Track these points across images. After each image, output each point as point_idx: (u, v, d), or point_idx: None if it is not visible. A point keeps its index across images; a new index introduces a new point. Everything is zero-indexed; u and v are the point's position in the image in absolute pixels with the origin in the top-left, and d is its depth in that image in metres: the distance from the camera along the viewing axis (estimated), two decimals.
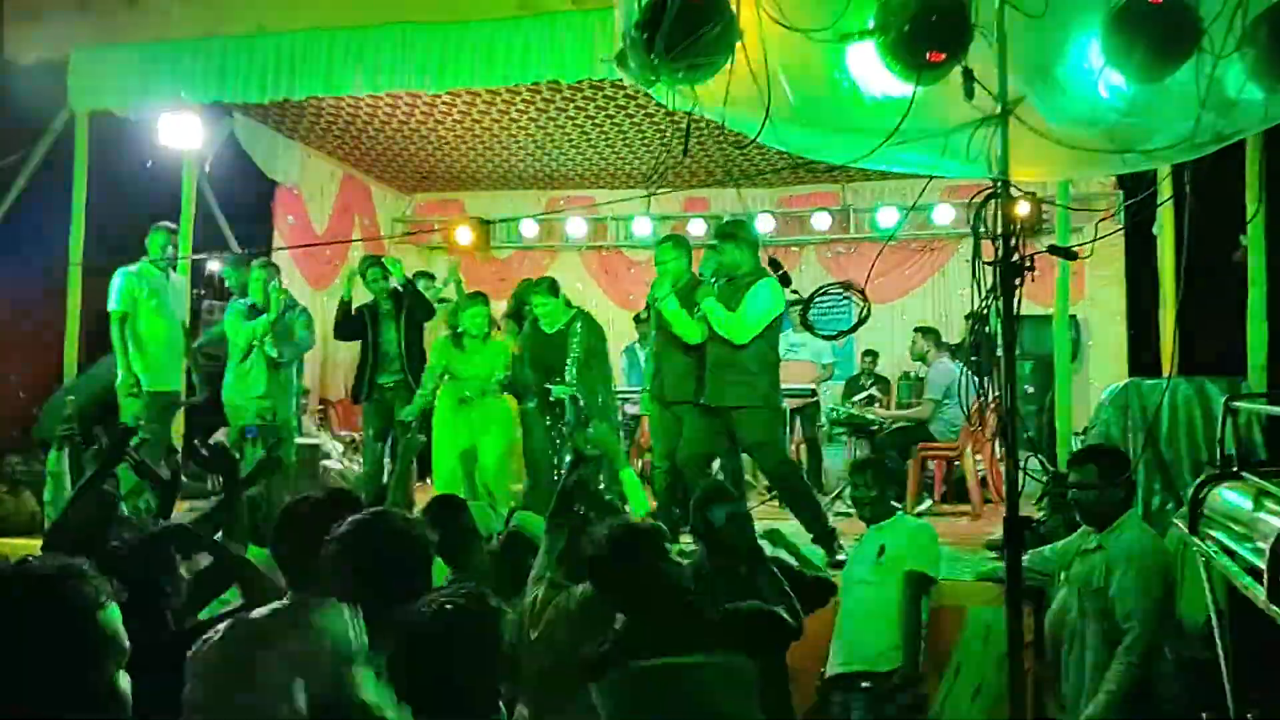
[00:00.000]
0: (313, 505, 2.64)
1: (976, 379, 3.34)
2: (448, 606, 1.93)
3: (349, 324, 6.89)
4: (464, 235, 10.69)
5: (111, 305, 6.43)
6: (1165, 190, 4.83)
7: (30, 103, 7.14)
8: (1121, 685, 3.72)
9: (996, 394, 3.26)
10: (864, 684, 4.12)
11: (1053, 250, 3.41)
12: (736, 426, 5.52)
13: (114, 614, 1.46)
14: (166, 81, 6.90)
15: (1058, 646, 4.12)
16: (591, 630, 2.80)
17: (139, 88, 7.01)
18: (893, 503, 4.59)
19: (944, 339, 8.46)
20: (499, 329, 6.90)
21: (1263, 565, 2.40)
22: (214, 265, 7.57)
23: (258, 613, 2.45)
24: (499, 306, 7.20)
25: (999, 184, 3.11)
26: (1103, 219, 6.09)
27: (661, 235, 10.66)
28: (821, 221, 10.28)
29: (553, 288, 6.32)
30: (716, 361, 5.45)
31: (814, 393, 8.43)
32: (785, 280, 5.10)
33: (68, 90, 7.08)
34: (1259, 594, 2.38)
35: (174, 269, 6.89)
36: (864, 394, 8.97)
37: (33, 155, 7.28)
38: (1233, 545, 2.83)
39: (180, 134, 7.40)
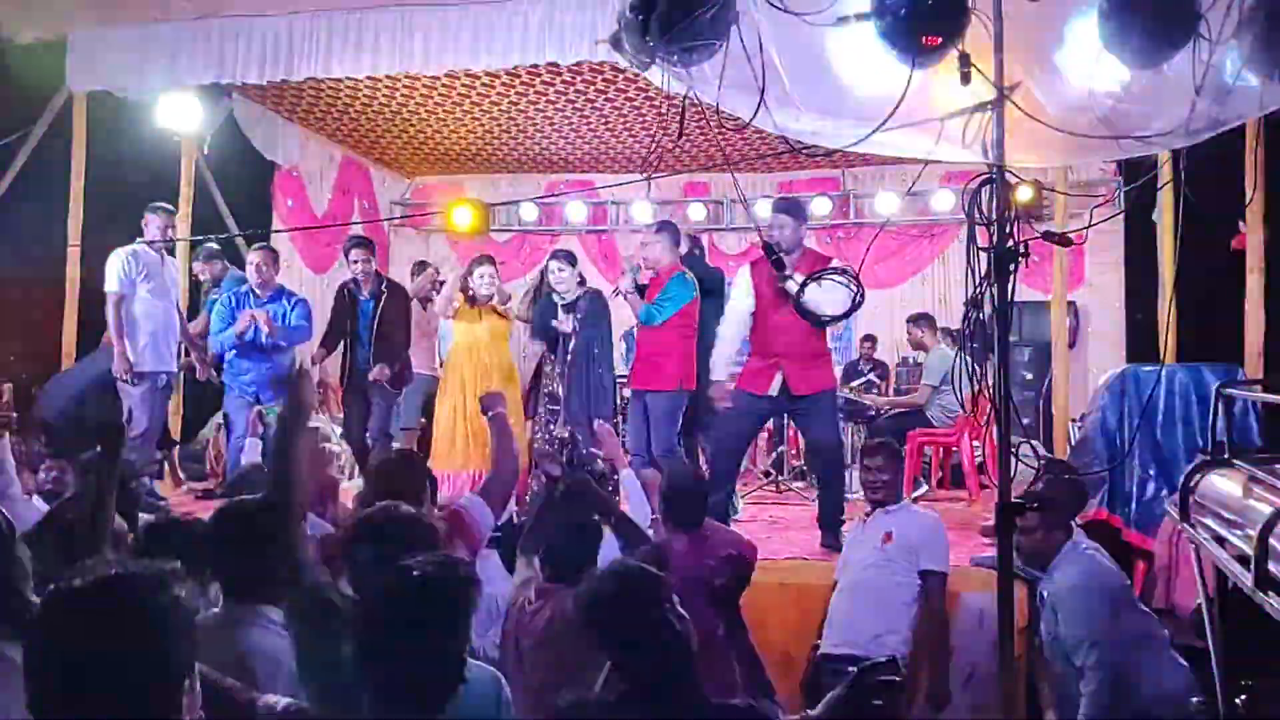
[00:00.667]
0: (243, 510, 2.58)
1: (972, 365, 3.34)
2: (415, 572, 1.94)
3: (335, 318, 6.94)
4: (463, 218, 10.66)
5: (108, 287, 6.39)
6: (1165, 176, 4.82)
7: (28, 82, 7.12)
8: (1092, 710, 3.77)
9: (990, 381, 3.27)
10: (851, 668, 4.12)
11: (1047, 236, 3.40)
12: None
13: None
14: (165, 62, 6.89)
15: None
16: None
17: (137, 68, 6.99)
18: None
19: (941, 324, 8.46)
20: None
21: (1251, 552, 2.40)
22: (212, 247, 7.55)
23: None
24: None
25: (994, 169, 3.11)
26: (1100, 205, 6.07)
27: (661, 218, 10.72)
28: (821, 207, 10.27)
29: (570, 257, 6.56)
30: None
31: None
32: (779, 266, 5.08)
33: (66, 70, 7.06)
34: (1247, 580, 2.39)
35: (170, 251, 6.86)
36: (863, 379, 8.98)
37: (31, 135, 7.26)
38: (1223, 532, 2.84)
39: (178, 115, 7.38)
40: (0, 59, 6.98)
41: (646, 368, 5.97)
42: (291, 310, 6.71)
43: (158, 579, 1.41)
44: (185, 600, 1.43)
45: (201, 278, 7.64)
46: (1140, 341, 8.66)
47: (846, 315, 4.84)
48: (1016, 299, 3.18)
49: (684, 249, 6.53)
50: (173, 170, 7.71)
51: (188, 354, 7.29)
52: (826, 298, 4.97)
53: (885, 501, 4.50)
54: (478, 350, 6.51)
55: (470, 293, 6.61)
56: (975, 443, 7.55)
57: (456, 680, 1.89)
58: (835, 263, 5.26)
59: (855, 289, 4.39)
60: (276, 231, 8.57)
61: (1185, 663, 3.92)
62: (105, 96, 7.25)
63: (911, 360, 9.34)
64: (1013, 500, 3.44)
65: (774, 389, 5.37)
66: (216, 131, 8.05)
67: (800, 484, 7.93)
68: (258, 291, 6.68)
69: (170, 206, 6.83)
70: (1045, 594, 4.07)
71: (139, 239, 6.50)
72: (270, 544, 2.42)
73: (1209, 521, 2.98)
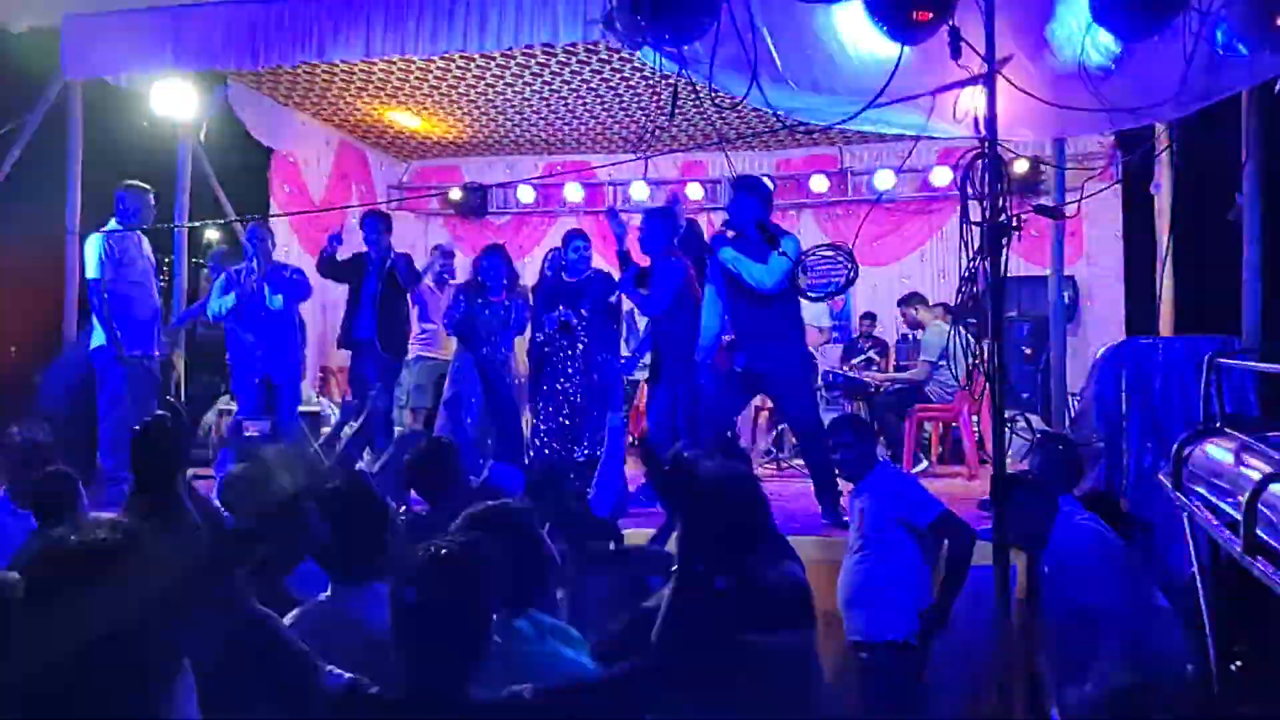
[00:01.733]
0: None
1: (969, 340, 3.36)
2: (443, 552, 2.01)
3: (340, 267, 6.92)
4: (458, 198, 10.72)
5: (88, 273, 6.31)
6: (1162, 146, 4.83)
7: (23, 71, 7.13)
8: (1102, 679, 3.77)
9: (986, 356, 3.29)
10: (862, 654, 4.13)
11: (1039, 210, 3.42)
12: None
13: None
14: (159, 49, 6.87)
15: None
16: None
17: (132, 55, 6.98)
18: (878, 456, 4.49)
19: (938, 300, 8.48)
20: None
21: (1240, 518, 2.43)
22: (211, 234, 7.57)
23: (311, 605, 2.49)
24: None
25: (985, 144, 3.13)
26: (1093, 177, 6.08)
27: (660, 199, 10.72)
28: (819, 184, 10.27)
29: (584, 236, 6.68)
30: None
31: (813, 356, 8.45)
32: (773, 243, 5.09)
33: (60, 59, 7.05)
34: (1236, 546, 2.42)
35: (145, 232, 6.76)
36: (862, 357, 9.00)
37: (27, 124, 7.26)
38: (1214, 500, 2.87)
39: (174, 102, 7.37)
40: None
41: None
42: (289, 276, 6.70)
43: (144, 546, 1.47)
44: (172, 566, 1.50)
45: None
46: (1139, 314, 8.69)
47: (840, 291, 4.84)
48: (1015, 274, 3.20)
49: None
50: (170, 157, 7.72)
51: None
52: (752, 269, 5.00)
53: (856, 476, 4.36)
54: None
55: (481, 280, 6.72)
56: (974, 418, 7.57)
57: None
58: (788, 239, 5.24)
59: (849, 265, 4.40)
60: (274, 216, 8.57)
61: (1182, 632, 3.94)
62: (101, 84, 7.24)
63: (911, 337, 9.35)
64: (1008, 473, 3.49)
65: (739, 365, 5.41)
66: (212, 118, 8.05)
67: (801, 461, 7.95)
68: (254, 268, 6.66)
69: (145, 185, 6.72)
70: (1047, 569, 4.08)
71: (111, 221, 6.41)
72: (376, 522, 2.54)
73: (1201, 490, 3.01)
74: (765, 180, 5.75)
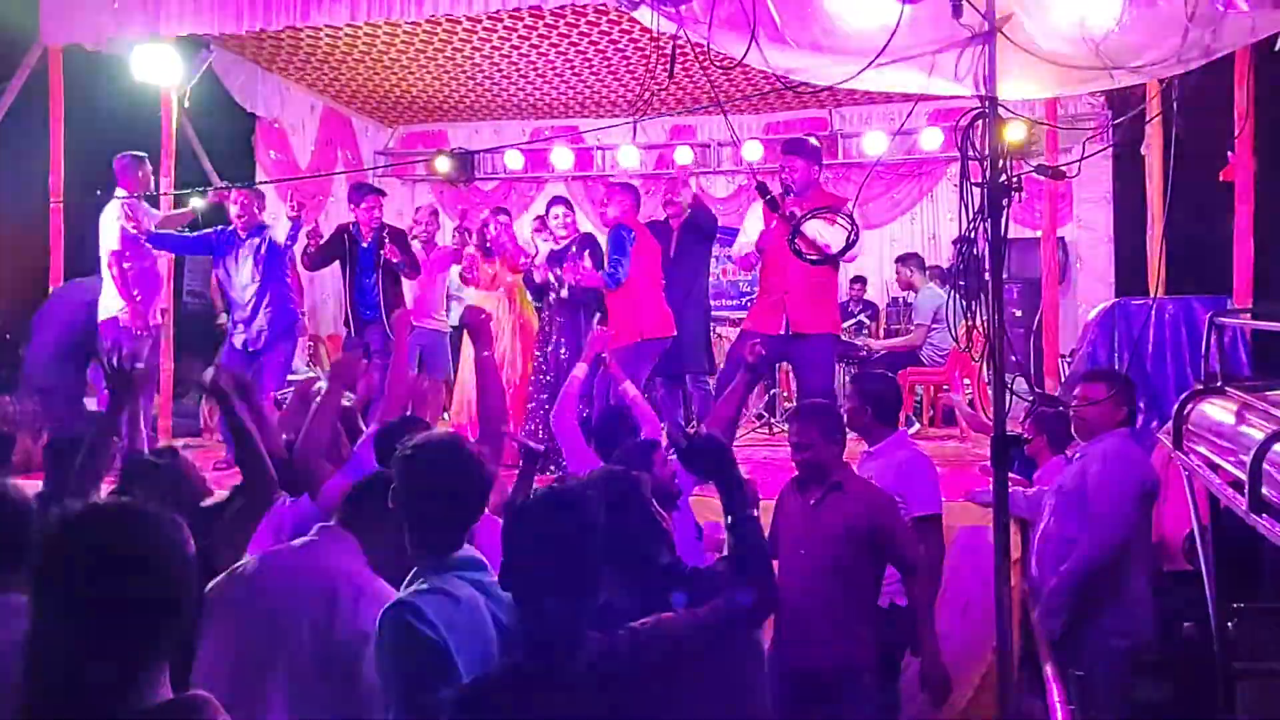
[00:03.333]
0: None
1: (965, 301, 3.34)
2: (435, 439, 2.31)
3: (325, 249, 6.85)
4: (445, 168, 10.63)
5: (111, 244, 6.23)
6: (1154, 109, 4.81)
7: (2, 37, 7.00)
8: (1078, 568, 3.80)
9: (984, 317, 3.28)
10: None
11: (1040, 170, 3.40)
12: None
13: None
14: (140, 14, 6.77)
15: (1040, 558, 4.17)
16: None
17: (112, 20, 6.87)
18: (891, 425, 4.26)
19: (930, 263, 8.48)
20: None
21: (1245, 477, 2.43)
22: (197, 202, 7.46)
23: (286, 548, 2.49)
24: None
25: (986, 102, 3.10)
26: (1091, 138, 6.06)
27: (649, 164, 10.65)
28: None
29: (568, 202, 6.76)
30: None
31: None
32: (773, 205, 5.06)
33: (40, 24, 6.93)
34: (1241, 504, 2.43)
35: (153, 202, 6.74)
36: (853, 321, 8.98)
37: (6, 91, 7.15)
38: (1216, 459, 2.88)
39: (157, 68, 7.24)
40: None
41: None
42: (276, 231, 6.58)
43: (156, 516, 1.48)
44: (181, 537, 1.49)
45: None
46: (1129, 276, 8.69)
47: (842, 254, 4.79)
48: (1007, 236, 3.18)
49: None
50: (154, 124, 7.60)
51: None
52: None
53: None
54: (492, 306, 6.60)
55: (486, 245, 6.74)
56: (966, 380, 7.59)
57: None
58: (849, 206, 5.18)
59: (850, 227, 4.36)
60: (261, 184, 8.47)
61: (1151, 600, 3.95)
62: (81, 50, 7.12)
63: (902, 300, 9.36)
64: (1007, 434, 3.48)
65: (782, 328, 5.33)
66: (196, 84, 7.93)
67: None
68: (240, 231, 6.56)
69: (141, 154, 6.64)
70: (1079, 457, 4.06)
71: (119, 191, 6.35)
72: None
73: (1202, 449, 3.02)
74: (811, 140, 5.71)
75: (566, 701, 1.93)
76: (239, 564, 2.43)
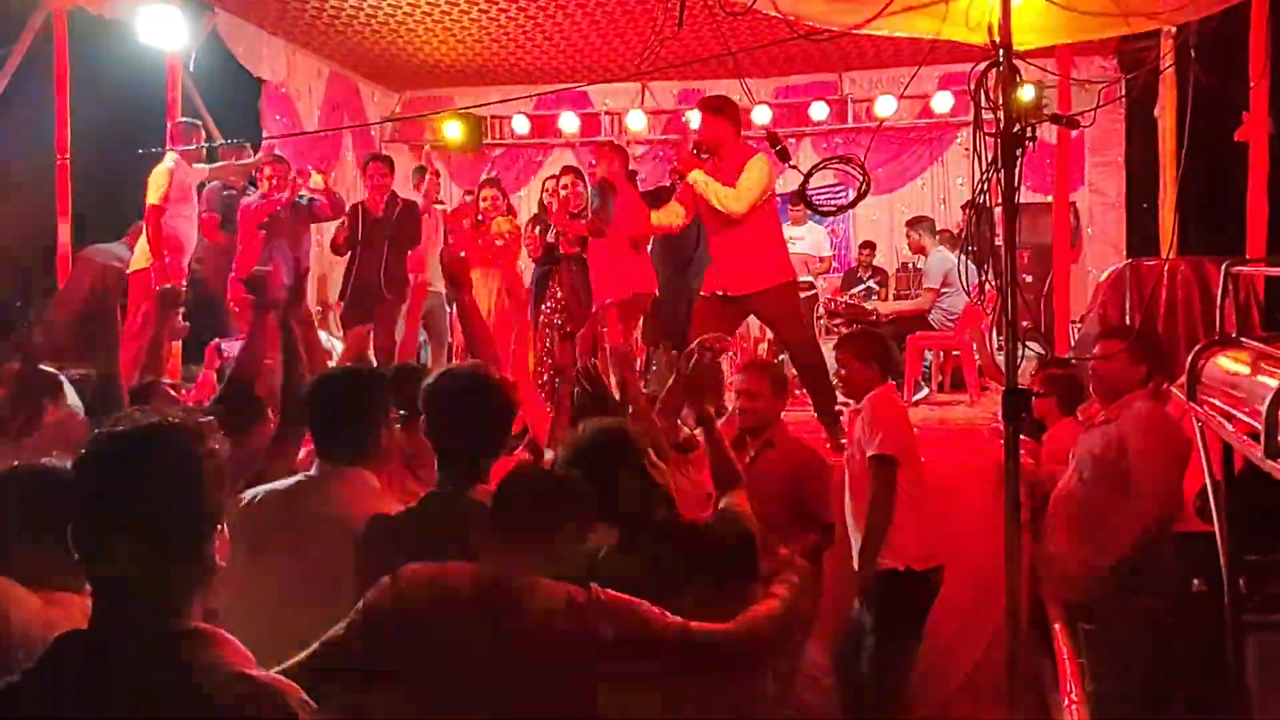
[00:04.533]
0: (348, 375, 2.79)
1: (975, 263, 3.31)
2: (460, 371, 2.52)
3: (346, 234, 6.88)
4: (453, 131, 10.56)
5: (152, 199, 6.39)
6: (1167, 64, 4.75)
7: (4, 1, 6.95)
8: (1137, 549, 3.74)
9: (996, 276, 3.25)
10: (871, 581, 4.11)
11: (1054, 119, 3.36)
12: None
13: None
14: None
15: (1065, 521, 4.13)
16: None
17: None
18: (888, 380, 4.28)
19: (940, 227, 8.41)
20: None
21: (1260, 426, 2.40)
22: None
23: (285, 483, 2.50)
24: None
25: (999, 51, 3.05)
26: (1103, 91, 5.99)
27: (658, 129, 10.58)
28: (819, 111, 10.14)
29: (577, 171, 6.89)
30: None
31: (812, 285, 8.39)
32: (784, 155, 5.01)
33: None
34: (1257, 452, 2.39)
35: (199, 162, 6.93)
36: (862, 286, 8.94)
37: (11, 55, 7.10)
38: (1231, 410, 2.84)
39: (160, 31, 7.19)
40: None
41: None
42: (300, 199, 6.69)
43: (195, 430, 1.48)
44: (220, 452, 1.49)
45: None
46: (1141, 241, 8.63)
47: (851, 205, 4.76)
48: (1020, 190, 3.14)
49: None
50: (159, 87, 7.56)
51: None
52: (719, 192, 5.02)
53: (855, 398, 4.24)
54: (488, 274, 6.63)
55: (478, 216, 6.88)
56: (975, 345, 7.55)
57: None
58: (755, 159, 5.11)
59: (861, 179, 4.30)
60: (269, 139, 8.42)
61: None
62: (85, 13, 7.07)
63: (911, 265, 9.30)
64: (1018, 388, 3.46)
65: (721, 290, 5.31)
66: (200, 47, 7.88)
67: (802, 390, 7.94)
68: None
69: (196, 121, 6.85)
70: (1105, 421, 4.01)
71: (170, 151, 6.49)
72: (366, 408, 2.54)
73: (1216, 400, 2.98)
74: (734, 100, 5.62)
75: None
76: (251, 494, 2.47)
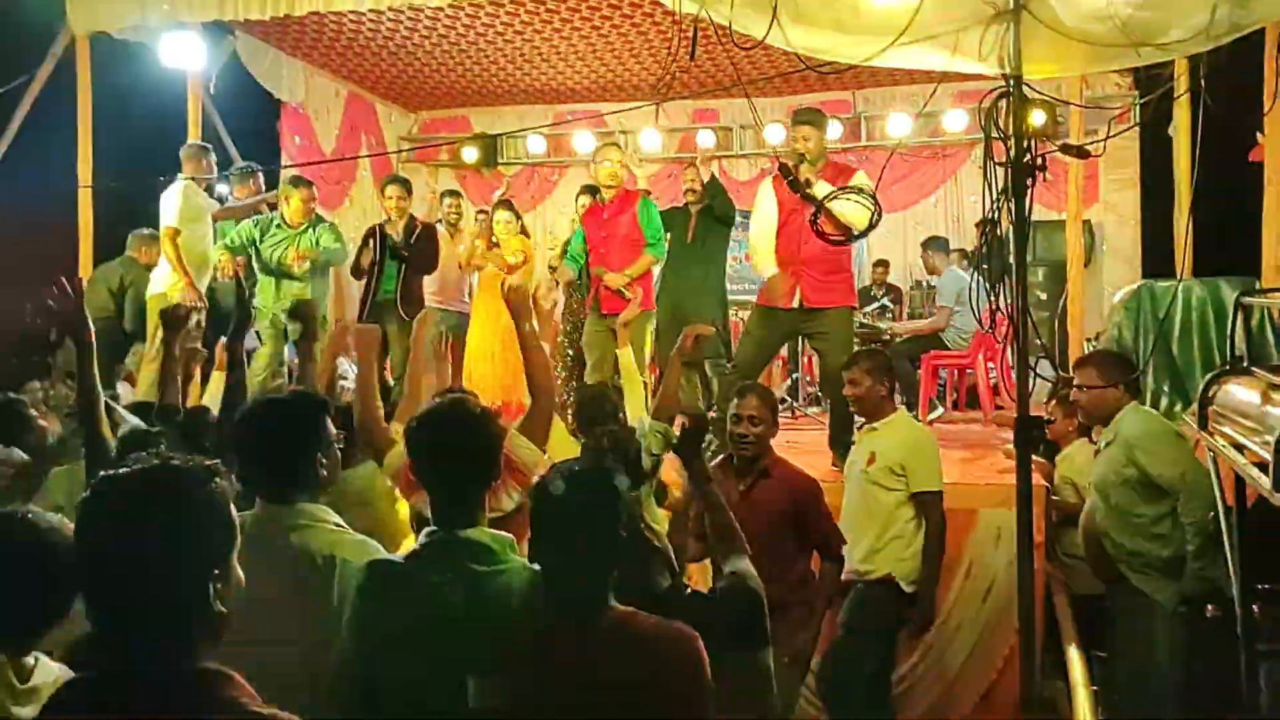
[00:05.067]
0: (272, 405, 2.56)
1: (988, 284, 3.33)
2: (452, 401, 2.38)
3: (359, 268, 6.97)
4: (470, 154, 10.64)
5: (167, 221, 6.43)
6: (1181, 88, 4.76)
7: (30, 26, 7.07)
8: (1199, 542, 3.69)
9: (1009, 298, 3.27)
10: (859, 584, 4.17)
11: (1065, 149, 3.39)
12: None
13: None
14: (165, 0, 6.82)
15: (1090, 548, 4.13)
16: None
17: (137, 7, 6.93)
18: (897, 403, 4.45)
19: (954, 246, 8.42)
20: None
21: (1270, 458, 2.42)
22: (221, 187, 7.54)
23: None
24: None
25: (1010, 82, 3.08)
26: (1117, 116, 5.98)
27: (671, 148, 10.62)
28: (832, 130, 10.11)
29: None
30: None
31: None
32: (795, 186, 5.04)
33: (66, 12, 7.00)
34: (1265, 484, 2.41)
35: (210, 190, 6.97)
36: (876, 304, 8.95)
37: (35, 80, 7.22)
38: (1241, 439, 2.86)
39: (181, 54, 7.30)
40: (1, 4, 6.91)
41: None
42: (318, 236, 6.63)
43: (198, 473, 1.46)
44: (224, 494, 1.48)
45: (233, 198, 7.60)
46: (1156, 258, 8.61)
47: (864, 234, 4.79)
48: (1031, 218, 3.17)
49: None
50: (180, 110, 7.67)
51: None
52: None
53: (870, 415, 4.35)
54: (501, 288, 6.68)
55: (493, 238, 6.98)
56: (989, 364, 7.55)
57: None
58: (859, 175, 5.13)
59: (873, 207, 4.34)
60: (286, 167, 8.53)
61: None
62: (108, 37, 7.19)
63: (926, 284, 9.31)
64: (1030, 415, 3.48)
65: (795, 302, 5.32)
66: (221, 70, 7.99)
67: (815, 409, 7.97)
68: (289, 223, 6.64)
69: (206, 144, 6.85)
70: (1104, 444, 4.03)
71: (182, 176, 6.52)
72: (308, 437, 2.42)
73: (1227, 430, 3.00)
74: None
75: (581, 665, 1.95)
76: None
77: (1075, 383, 4.14)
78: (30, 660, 1.84)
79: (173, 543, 1.41)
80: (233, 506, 1.50)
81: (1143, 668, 3.85)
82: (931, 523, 4.10)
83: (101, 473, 1.46)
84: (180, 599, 1.42)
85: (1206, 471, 3.57)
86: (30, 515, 1.92)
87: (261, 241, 6.59)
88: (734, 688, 2.16)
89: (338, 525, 2.38)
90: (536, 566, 2.10)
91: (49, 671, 1.85)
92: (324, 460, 2.42)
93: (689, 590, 2.48)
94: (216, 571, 1.45)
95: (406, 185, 7.07)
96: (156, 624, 1.40)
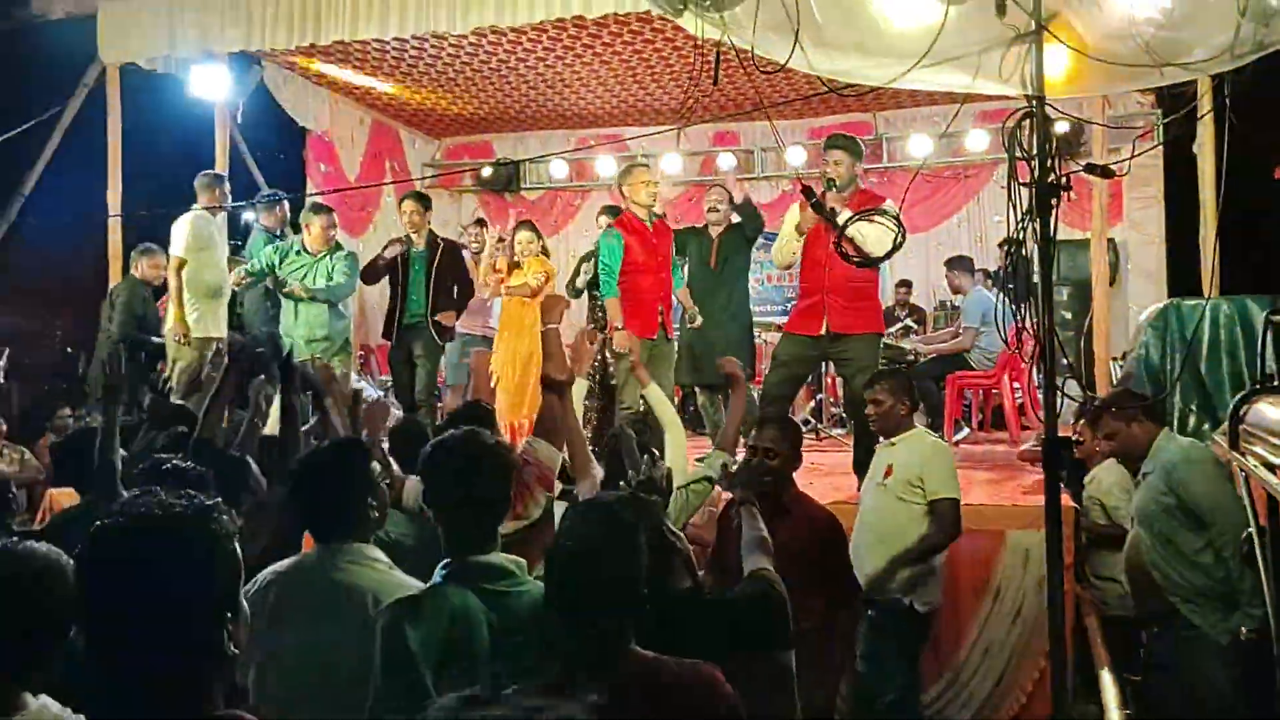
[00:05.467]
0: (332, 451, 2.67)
1: (1014, 303, 3.32)
2: (466, 431, 2.38)
3: (379, 268, 6.97)
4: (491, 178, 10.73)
5: (175, 250, 6.43)
6: (1205, 106, 4.74)
7: (61, 57, 7.21)
8: (1241, 571, 3.64)
9: (1034, 319, 3.26)
10: (870, 610, 4.13)
11: (1089, 169, 3.37)
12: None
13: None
14: (194, 31, 6.95)
15: (1136, 581, 4.08)
16: None
17: (167, 39, 7.06)
18: (915, 421, 4.43)
19: (978, 266, 8.40)
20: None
21: None
22: (248, 215, 7.63)
23: (285, 564, 2.47)
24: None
25: (1033, 102, 3.08)
26: (1141, 135, 5.97)
27: (692, 171, 10.65)
28: None
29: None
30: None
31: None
32: (819, 209, 5.05)
33: (97, 44, 7.12)
34: None
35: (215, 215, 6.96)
36: (900, 325, 8.92)
37: (67, 110, 7.35)
38: (1273, 459, 2.83)
39: (210, 84, 7.42)
40: (34, 36, 7.05)
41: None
42: (334, 265, 6.68)
43: (202, 513, 1.42)
44: (227, 532, 1.44)
45: (259, 225, 7.66)
46: (1182, 276, 8.55)
47: (887, 257, 4.78)
48: (1055, 238, 3.15)
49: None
50: (207, 139, 7.78)
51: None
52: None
53: (888, 432, 4.35)
54: (525, 309, 6.70)
55: (513, 259, 6.92)
56: (1015, 384, 7.51)
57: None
58: (888, 204, 5.12)
59: (897, 230, 4.34)
60: (311, 195, 8.62)
61: None
62: (137, 68, 7.31)
63: (949, 304, 9.28)
64: (1058, 436, 3.45)
65: (822, 329, 5.30)
66: (248, 99, 8.10)
67: (840, 431, 7.94)
68: (309, 250, 6.70)
69: (220, 174, 6.89)
70: (1143, 474, 3.99)
71: (196, 206, 6.55)
72: (355, 481, 2.49)
73: (1259, 450, 2.97)
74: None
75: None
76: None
77: (1102, 433, 4.14)
78: (30, 700, 1.71)
79: (179, 588, 1.36)
80: (237, 544, 1.45)
81: (1197, 704, 3.78)
82: (943, 520, 4.09)
83: (98, 521, 1.42)
84: (191, 646, 1.37)
85: (1239, 499, 3.53)
86: (23, 547, 1.82)
87: (281, 267, 6.64)
88: (755, 689, 2.13)
89: (388, 565, 2.45)
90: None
91: (46, 712, 1.73)
92: (373, 502, 2.51)
93: (708, 591, 2.45)
94: (229, 614, 1.41)
95: (424, 200, 7.08)
96: (167, 675, 1.36)
